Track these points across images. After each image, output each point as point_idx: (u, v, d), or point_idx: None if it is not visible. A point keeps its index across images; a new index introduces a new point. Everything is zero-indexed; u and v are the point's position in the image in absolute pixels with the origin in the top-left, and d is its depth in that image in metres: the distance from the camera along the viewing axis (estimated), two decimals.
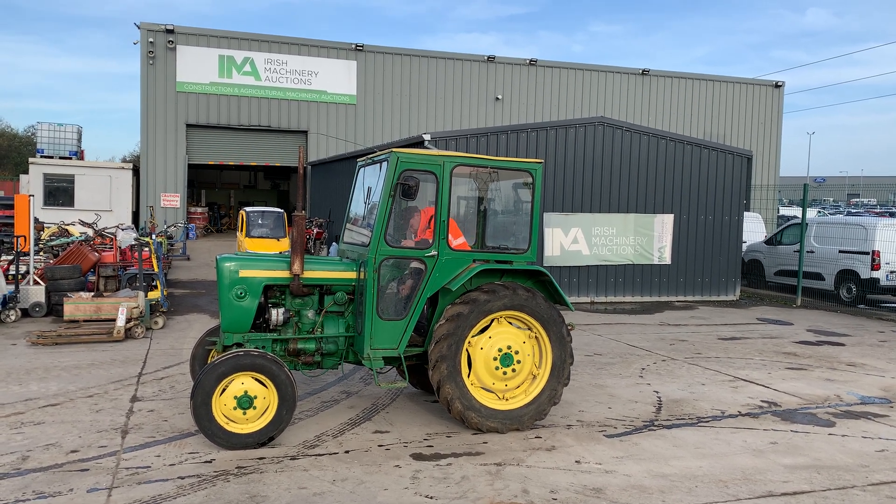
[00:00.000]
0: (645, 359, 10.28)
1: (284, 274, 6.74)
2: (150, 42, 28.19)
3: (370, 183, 7.25)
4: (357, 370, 9.17)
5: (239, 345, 6.68)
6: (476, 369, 6.81)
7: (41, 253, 14.46)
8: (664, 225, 16.71)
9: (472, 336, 6.79)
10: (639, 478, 5.80)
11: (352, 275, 6.92)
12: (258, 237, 16.51)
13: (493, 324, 6.88)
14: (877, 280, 16.11)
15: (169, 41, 28.37)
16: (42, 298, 12.09)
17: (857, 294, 16.49)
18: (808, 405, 8.13)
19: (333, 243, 23.12)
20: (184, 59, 28.67)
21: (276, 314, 6.73)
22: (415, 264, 6.83)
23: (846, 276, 16.71)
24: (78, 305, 11.12)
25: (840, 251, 16.83)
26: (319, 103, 30.35)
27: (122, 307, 10.71)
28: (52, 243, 14.87)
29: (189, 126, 29.17)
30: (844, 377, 9.54)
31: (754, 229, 21.12)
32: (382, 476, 5.69)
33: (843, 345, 11.86)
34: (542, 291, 7.13)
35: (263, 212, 17.37)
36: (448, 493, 5.38)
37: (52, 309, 12.15)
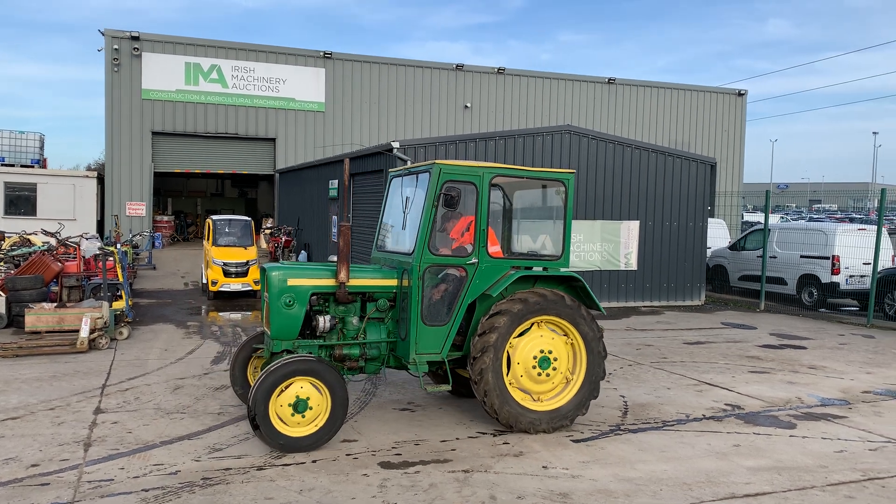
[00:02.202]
0: (612, 363, 10.38)
1: (330, 282, 6.96)
2: (115, 49, 27.82)
3: (408, 193, 7.49)
4: None
5: (288, 351, 6.85)
6: (514, 370, 7.04)
7: (2, 263, 14.16)
8: (630, 231, 16.92)
9: (514, 337, 7.02)
10: (605, 482, 5.86)
11: (393, 282, 7.17)
12: (225, 246, 16.36)
13: (532, 328, 7.12)
14: (837, 284, 16.47)
15: (134, 48, 28.03)
16: (2, 309, 11.85)
17: (818, 298, 16.84)
18: (771, 408, 8.29)
19: (303, 251, 23.01)
20: (149, 66, 28.35)
21: (324, 321, 6.96)
22: (456, 272, 7.06)
23: (807, 280, 17.06)
24: (40, 316, 10.91)
25: (801, 256, 17.19)
26: (288, 111, 30.20)
27: (85, 318, 10.54)
28: (14, 253, 14.57)
29: (155, 134, 28.82)
30: (805, 380, 9.74)
31: (718, 235, 21.46)
32: (350, 485, 5.67)
33: (804, 348, 12.10)
34: (574, 296, 7.32)
35: (230, 220, 17.22)
36: (416, 501, 5.39)
37: (14, 320, 11.90)
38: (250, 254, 16.33)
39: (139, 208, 28.57)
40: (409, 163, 14.76)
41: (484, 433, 7.06)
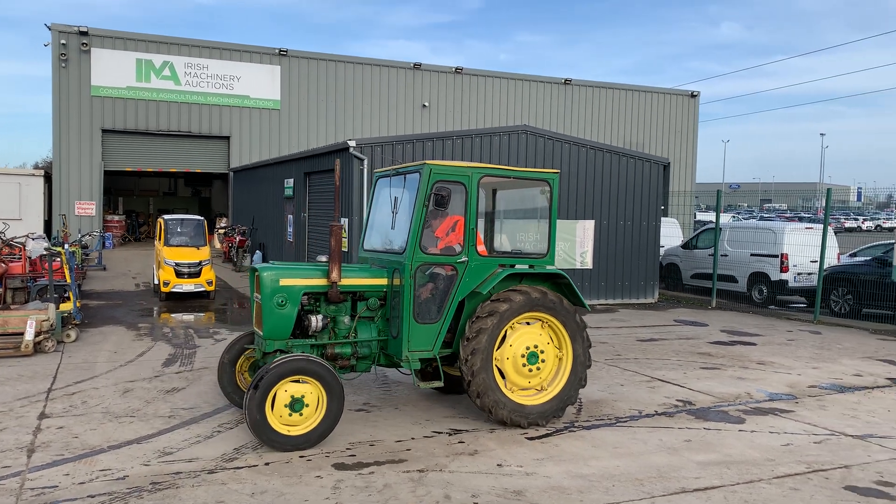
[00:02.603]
0: None
1: (322, 282, 7.03)
2: (63, 44, 27.09)
3: (395, 193, 7.57)
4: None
5: (281, 351, 6.87)
6: (504, 365, 7.17)
7: None
8: (586, 230, 17.09)
9: (503, 334, 7.13)
10: (558, 479, 5.90)
11: (383, 281, 7.27)
12: (177, 246, 16.05)
13: (521, 324, 7.26)
14: (786, 282, 16.89)
15: (83, 43, 27.33)
16: None
17: (767, 295, 17.24)
18: (721, 403, 8.45)
19: (257, 251, 22.70)
20: (99, 62, 27.66)
21: (316, 321, 7.00)
22: (447, 270, 7.17)
23: (757, 278, 17.45)
24: None
25: (752, 255, 17.58)
26: (242, 108, 29.79)
27: (30, 320, 10.23)
28: None
29: (105, 131, 28.15)
30: (755, 375, 9.96)
31: (671, 234, 21.82)
32: (303, 487, 5.61)
33: (754, 344, 12.38)
34: (559, 293, 7.46)
35: (182, 219, 16.90)
36: (369, 502, 5.35)
37: None
38: (203, 254, 16.05)
39: (89, 207, 27.88)
40: (365, 162, 14.68)
41: (440, 432, 7.05)
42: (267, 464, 6.09)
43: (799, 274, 16.85)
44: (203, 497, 5.35)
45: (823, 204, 16.02)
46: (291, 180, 19.69)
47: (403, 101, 32.70)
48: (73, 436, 6.70)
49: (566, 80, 35.68)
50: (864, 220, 65.22)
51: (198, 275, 15.78)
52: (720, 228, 17.90)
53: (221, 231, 27.46)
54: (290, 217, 19.90)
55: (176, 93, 28.69)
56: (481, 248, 7.47)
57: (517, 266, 7.47)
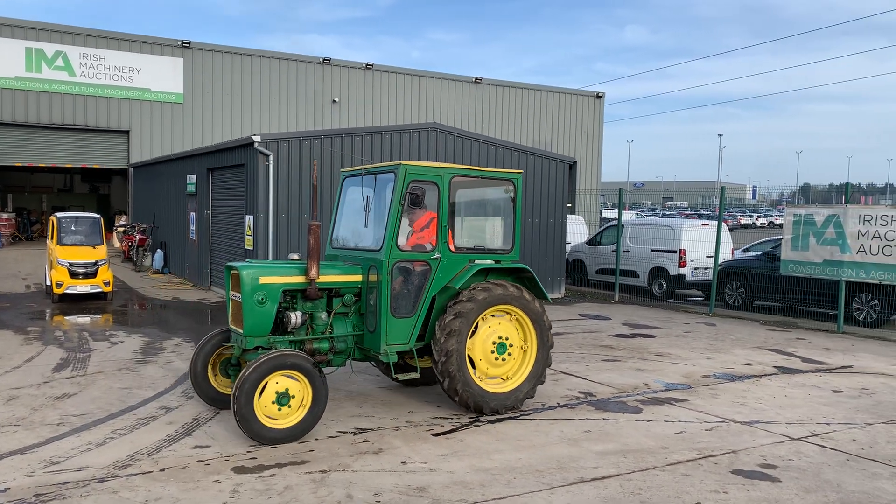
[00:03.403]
0: None
1: (300, 279, 7.20)
2: None
3: (367, 192, 7.79)
4: (179, 384, 8.74)
5: (262, 348, 6.98)
6: (475, 355, 7.50)
7: None
8: (494, 228, 17.28)
9: (474, 326, 7.45)
10: (461, 474, 5.95)
11: (357, 278, 7.52)
12: (71, 245, 15.27)
13: (490, 317, 7.61)
14: (683, 276, 17.62)
15: None
16: None
17: (667, 289, 17.94)
18: (620, 394, 8.73)
19: (159, 250, 21.88)
20: None
21: (295, 317, 7.16)
22: (421, 266, 7.46)
23: (657, 273, 18.14)
24: None
25: (652, 250, 18.25)
26: (142, 102, 28.60)
27: None
28: None
29: None
30: (653, 366, 10.34)
31: (578, 231, 22.38)
32: (200, 492, 5.44)
33: (653, 336, 12.85)
34: (523, 286, 7.86)
35: (77, 217, 16.09)
36: None
37: None
38: (99, 253, 15.34)
39: None
40: (270, 158, 14.38)
41: (344, 432, 6.99)
42: (163, 469, 5.88)
43: (696, 268, 17.61)
44: None
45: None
46: (194, 176, 19.07)
47: (313, 97, 32.20)
48: None
49: (476, 78, 36.02)
50: (759, 216, 68.83)
51: (94, 275, 15.07)
52: (622, 226, 18.49)
53: (121, 229, 26.33)
54: (193, 215, 19.27)
55: (70, 84, 27.27)
56: (451, 245, 7.72)
57: (490, 261, 7.85)
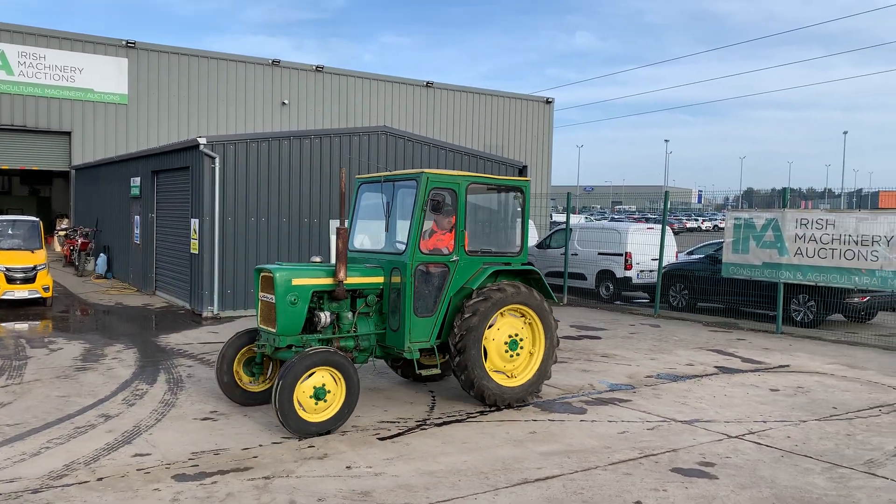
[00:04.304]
0: None
1: (328, 281, 7.58)
2: None
3: (386, 199, 8.34)
4: (121, 391, 8.55)
5: (294, 346, 7.38)
6: (489, 351, 7.94)
7: None
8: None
9: (490, 323, 7.87)
10: (406, 477, 5.96)
11: (380, 279, 7.92)
12: (8, 249, 14.78)
13: (503, 315, 8.06)
14: (630, 279, 17.94)
15: None
16: None
17: (613, 291, 18.24)
18: (566, 395, 8.84)
19: (102, 254, 21.34)
20: None
21: (325, 317, 7.57)
22: (440, 268, 7.88)
23: (604, 275, 18.42)
24: None
25: (599, 253, 18.53)
26: (85, 102, 27.86)
27: None
28: None
29: None
30: (598, 367, 10.50)
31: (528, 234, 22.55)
32: (138, 501, 5.33)
33: (599, 338, 13.05)
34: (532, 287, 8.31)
35: (14, 220, 15.60)
36: None
37: None
38: (38, 258, 14.90)
39: None
40: (216, 161, 14.16)
41: (288, 438, 6.92)
42: (100, 479, 5.74)
43: (641, 271, 17.93)
44: None
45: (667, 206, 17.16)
46: (138, 179, 18.67)
47: (262, 99, 31.82)
48: None
49: (428, 82, 36.08)
50: (704, 220, 70.48)
51: (32, 280, 14.62)
52: (571, 229, 18.73)
53: (62, 233, 25.60)
54: (138, 218, 18.86)
55: (8, 83, 26.41)
56: (466, 248, 8.11)
57: (500, 263, 8.30)
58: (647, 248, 17.55)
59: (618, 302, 18.17)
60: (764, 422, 7.86)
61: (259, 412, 7.79)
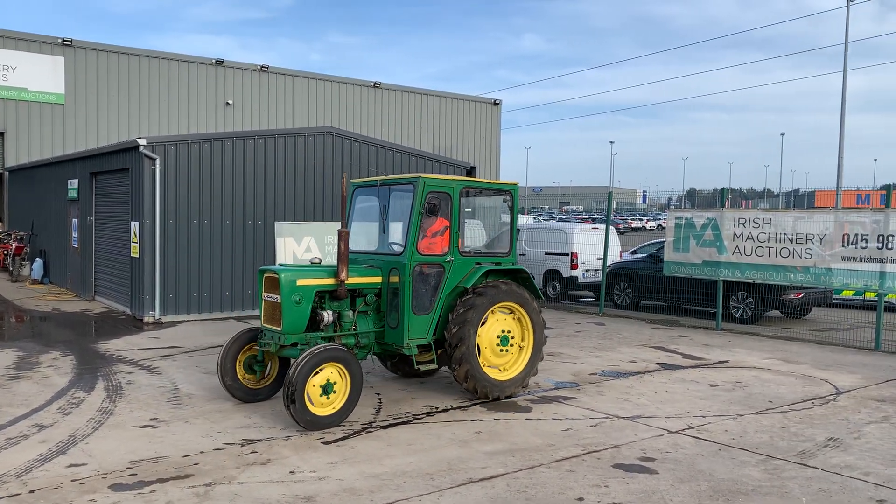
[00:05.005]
0: (371, 362, 10.53)
1: (330, 281, 7.88)
2: None
3: (382, 203, 8.80)
4: (56, 399, 8.28)
5: (298, 343, 7.69)
6: (482, 346, 8.33)
7: None
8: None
9: (483, 320, 8.26)
10: (351, 481, 5.92)
11: (378, 279, 8.27)
12: None
13: (494, 312, 8.43)
14: (576, 278, 18.18)
15: None
16: None
17: (560, 291, 18.46)
18: (511, 394, 8.89)
19: (38, 259, 20.65)
20: None
21: (328, 315, 7.88)
22: (436, 268, 8.22)
23: (551, 275, 18.63)
24: None
25: (546, 253, 18.73)
26: (19, 102, 26.88)
27: None
28: None
29: None
30: (544, 366, 10.54)
31: (476, 235, 22.62)
32: None
33: (546, 336, 13.14)
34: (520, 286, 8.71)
35: None
36: None
37: None
38: None
39: None
40: (157, 162, 13.85)
41: (231, 444, 6.81)
42: (32, 491, 5.56)
43: (587, 270, 18.20)
44: None
45: (612, 206, 17.44)
46: (76, 181, 18.12)
47: (205, 99, 31.23)
48: None
49: (375, 83, 35.95)
50: (648, 220, 71.96)
51: None
52: (518, 230, 18.86)
53: None
54: (76, 221, 18.31)
55: None
56: (460, 249, 8.53)
57: (490, 263, 8.70)
58: (592, 248, 17.82)
59: (564, 301, 18.40)
60: (703, 416, 8.06)
61: (201, 418, 7.65)
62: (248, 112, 32.27)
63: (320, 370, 7.17)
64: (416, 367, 8.45)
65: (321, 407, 7.23)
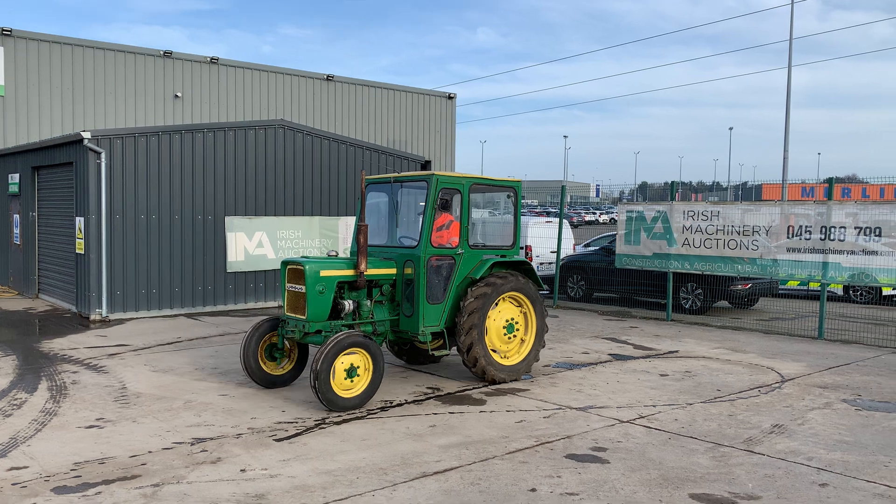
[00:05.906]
0: None
1: (350, 272, 8.36)
2: None
3: (397, 198, 9.32)
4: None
5: (322, 331, 8.14)
6: (490, 333, 8.87)
7: None
8: (348, 227, 17.19)
9: (491, 308, 8.79)
10: (303, 478, 5.86)
11: (392, 271, 8.72)
12: None
13: (501, 302, 8.99)
14: None
15: None
16: None
17: None
18: (466, 387, 8.92)
19: None
20: None
21: (349, 304, 8.36)
22: (448, 260, 8.69)
23: None
24: None
25: None
26: None
27: None
28: None
29: None
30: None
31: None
32: None
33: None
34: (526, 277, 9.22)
35: None
36: None
37: None
38: None
39: None
40: (103, 156, 13.47)
41: (181, 443, 6.68)
42: None
43: (541, 263, 18.34)
44: None
45: (566, 199, 17.58)
46: (17, 176, 17.56)
47: (153, 91, 30.50)
48: None
49: (328, 76, 35.59)
50: (602, 213, 72.88)
51: None
52: (474, 223, 18.89)
53: None
54: (17, 217, 17.73)
55: None
56: (454, 240, 8.88)
57: (495, 255, 9.19)
58: (546, 241, 17.96)
59: None
60: (653, 406, 8.19)
61: (150, 417, 7.48)
62: (198, 105, 31.64)
63: (348, 354, 7.62)
64: (430, 352, 8.84)
65: (344, 390, 7.65)
